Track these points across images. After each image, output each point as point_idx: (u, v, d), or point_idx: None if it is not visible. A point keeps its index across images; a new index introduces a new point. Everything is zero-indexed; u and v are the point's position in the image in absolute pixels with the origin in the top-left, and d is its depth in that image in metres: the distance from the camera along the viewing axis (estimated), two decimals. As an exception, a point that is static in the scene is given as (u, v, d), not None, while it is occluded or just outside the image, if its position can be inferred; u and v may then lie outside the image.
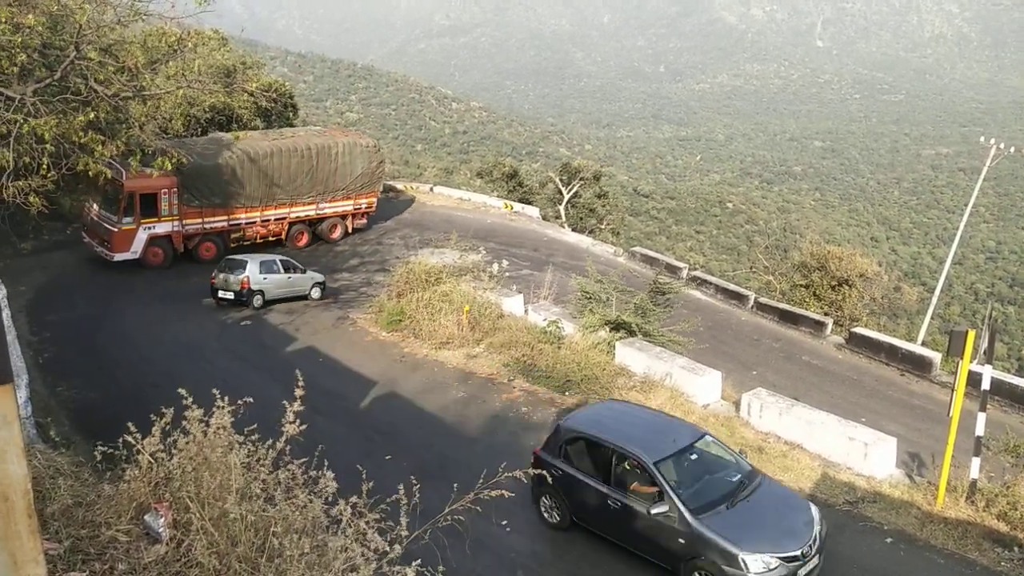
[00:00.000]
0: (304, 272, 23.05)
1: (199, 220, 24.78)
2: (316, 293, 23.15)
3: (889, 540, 11.34)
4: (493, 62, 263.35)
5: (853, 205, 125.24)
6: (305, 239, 27.86)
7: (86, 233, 24.23)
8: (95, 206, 23.79)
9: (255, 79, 32.24)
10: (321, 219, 28.22)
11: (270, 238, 26.92)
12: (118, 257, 23.40)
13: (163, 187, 23.65)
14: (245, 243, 26.13)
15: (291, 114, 36.06)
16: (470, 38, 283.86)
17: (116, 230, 23.18)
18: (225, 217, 25.39)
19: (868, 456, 13.22)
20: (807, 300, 26.70)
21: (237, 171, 24.98)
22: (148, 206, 23.55)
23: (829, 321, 23.57)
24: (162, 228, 24.05)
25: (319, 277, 23.60)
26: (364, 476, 5.73)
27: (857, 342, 22.08)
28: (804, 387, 18.88)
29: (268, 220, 26.57)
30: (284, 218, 27.03)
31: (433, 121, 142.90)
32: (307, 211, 27.58)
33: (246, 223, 26.03)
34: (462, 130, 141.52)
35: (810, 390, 18.62)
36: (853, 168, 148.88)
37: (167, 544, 5.62)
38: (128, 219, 23.28)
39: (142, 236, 23.68)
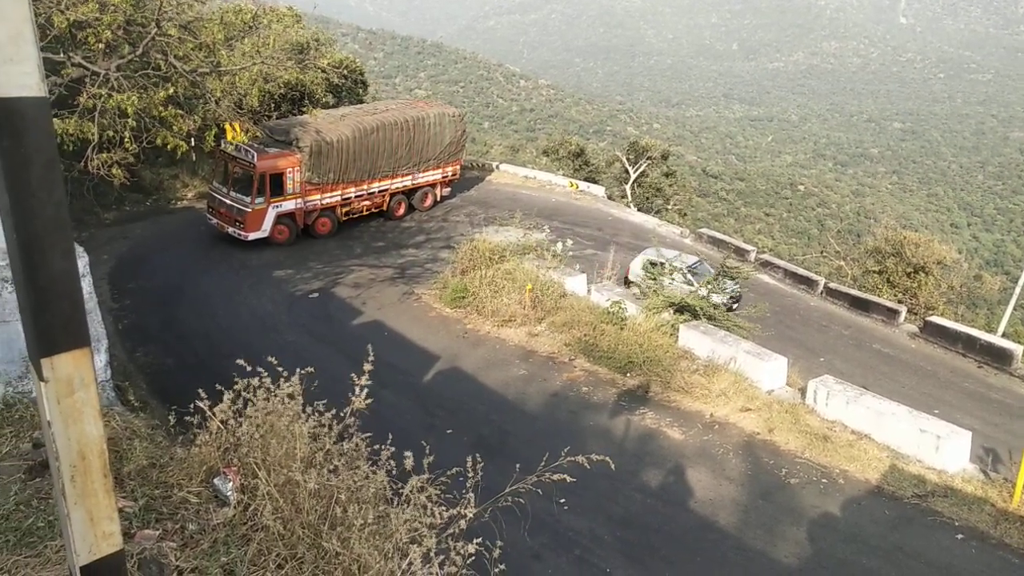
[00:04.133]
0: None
1: (318, 196, 25.54)
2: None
3: (960, 536, 11.00)
4: (563, 39, 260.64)
5: (933, 189, 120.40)
6: (403, 209, 28.65)
7: (212, 214, 25.11)
8: (224, 187, 24.64)
9: (327, 55, 32.74)
10: (415, 189, 28.92)
11: (373, 210, 27.66)
12: (251, 236, 24.21)
13: (289, 166, 24.44)
14: (353, 216, 26.89)
15: (361, 90, 36.39)
16: (540, 15, 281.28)
17: (250, 210, 23.99)
18: (339, 192, 26.14)
19: (940, 449, 12.81)
20: (880, 287, 25.90)
21: (351, 147, 25.69)
22: (276, 185, 24.31)
23: (903, 309, 22.81)
24: (288, 206, 24.83)
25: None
26: (427, 450, 5.80)
27: (932, 331, 21.33)
28: (874, 376, 18.37)
29: (373, 193, 27.34)
30: (386, 190, 27.76)
31: (501, 99, 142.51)
32: (405, 182, 28.28)
33: (355, 196, 26.77)
34: (529, 108, 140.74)
35: (880, 379, 18.11)
36: (934, 151, 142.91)
37: (235, 507, 5.81)
38: (260, 199, 24.09)
39: (271, 214, 24.50)
